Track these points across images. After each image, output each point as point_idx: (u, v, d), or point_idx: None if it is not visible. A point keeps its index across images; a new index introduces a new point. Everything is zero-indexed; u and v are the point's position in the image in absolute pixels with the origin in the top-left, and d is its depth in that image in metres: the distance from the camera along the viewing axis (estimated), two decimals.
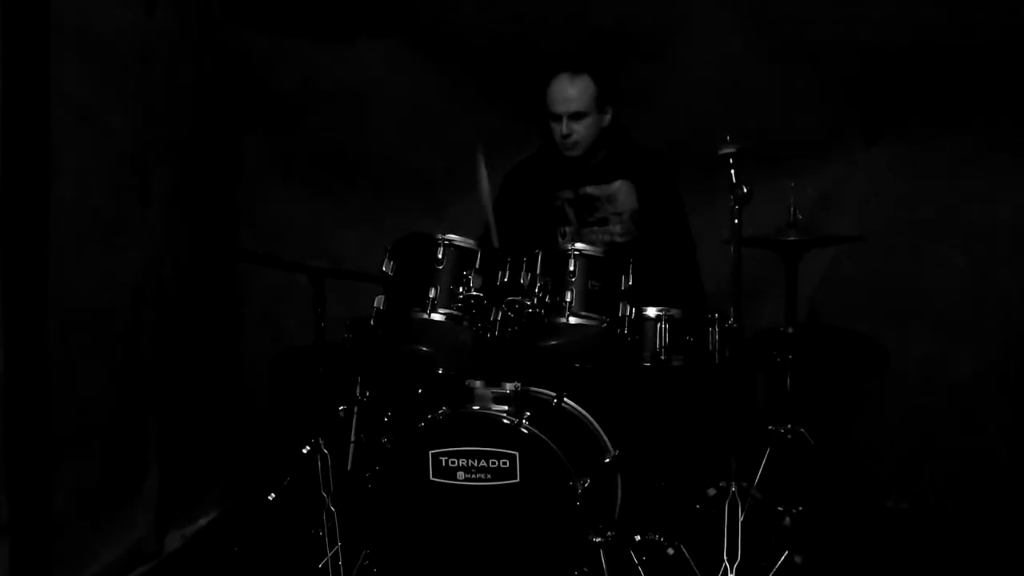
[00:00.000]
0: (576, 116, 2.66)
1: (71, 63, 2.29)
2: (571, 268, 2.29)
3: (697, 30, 3.05)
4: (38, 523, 2.20)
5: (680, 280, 2.68)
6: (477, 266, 2.32)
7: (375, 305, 2.39)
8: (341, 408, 2.62)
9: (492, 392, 2.21)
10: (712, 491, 2.33)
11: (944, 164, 3.08)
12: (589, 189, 2.75)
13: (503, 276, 2.32)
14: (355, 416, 2.60)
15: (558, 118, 2.67)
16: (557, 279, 2.29)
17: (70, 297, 2.31)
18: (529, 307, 2.25)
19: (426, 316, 2.31)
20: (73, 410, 2.34)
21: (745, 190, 2.19)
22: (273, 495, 2.60)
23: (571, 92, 2.66)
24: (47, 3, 2.19)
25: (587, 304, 2.29)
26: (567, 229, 2.77)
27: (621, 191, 2.75)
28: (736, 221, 2.21)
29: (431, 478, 2.13)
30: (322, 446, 2.49)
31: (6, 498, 1.95)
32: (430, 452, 2.13)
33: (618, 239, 2.73)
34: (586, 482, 2.10)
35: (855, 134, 3.14)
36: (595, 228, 2.76)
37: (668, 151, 2.86)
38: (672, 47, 3.08)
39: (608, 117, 2.72)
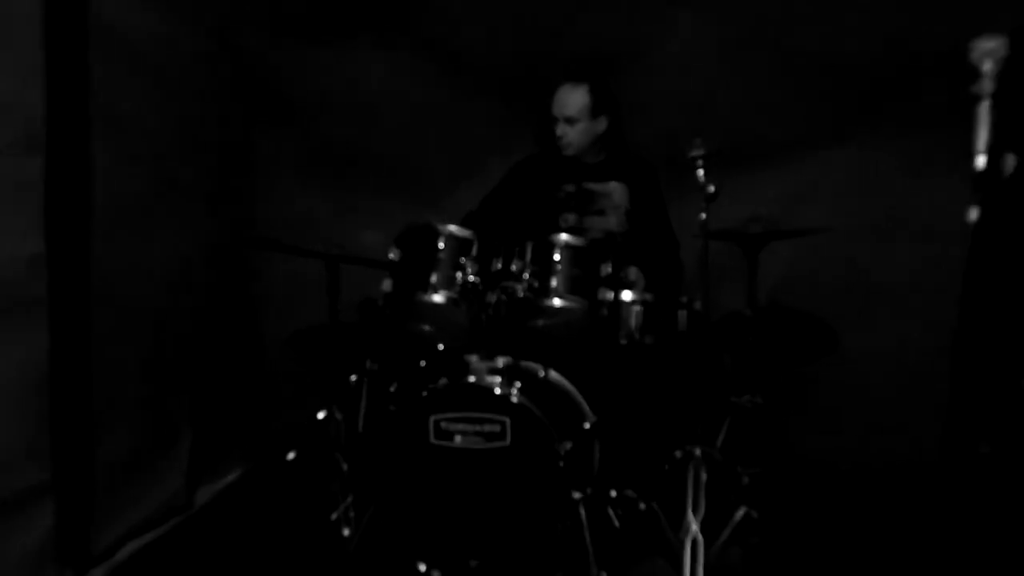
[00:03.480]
0: (569, 120, 2.70)
1: (108, 72, 2.28)
2: (557, 256, 2.30)
3: (673, 43, 3.03)
4: (80, 483, 2.21)
5: (662, 270, 2.69)
6: (473, 253, 2.33)
7: (383, 288, 2.39)
8: (353, 378, 2.62)
9: (486, 365, 2.23)
10: (679, 453, 2.33)
11: (897, 166, 3.05)
12: (589, 184, 2.77)
13: (497, 263, 2.33)
14: (365, 386, 2.60)
15: (556, 120, 2.72)
16: (544, 266, 2.30)
17: (109, 283, 2.33)
18: (519, 291, 2.27)
19: (428, 298, 2.32)
20: (113, 382, 2.36)
21: (712, 189, 2.20)
22: (292, 455, 2.63)
23: (567, 99, 2.70)
24: (86, 21, 2.19)
25: (571, 288, 2.30)
26: (569, 216, 2.77)
27: (616, 191, 2.76)
28: (704, 216, 2.22)
29: (431, 441, 2.15)
30: (336, 412, 2.52)
31: (50, 461, 1.96)
32: (431, 418, 2.15)
33: (613, 228, 2.76)
34: (568, 445, 2.12)
35: (816, 137, 3.11)
36: (594, 217, 2.76)
37: (648, 153, 2.86)
38: (653, 59, 3.05)
39: (603, 125, 2.74)
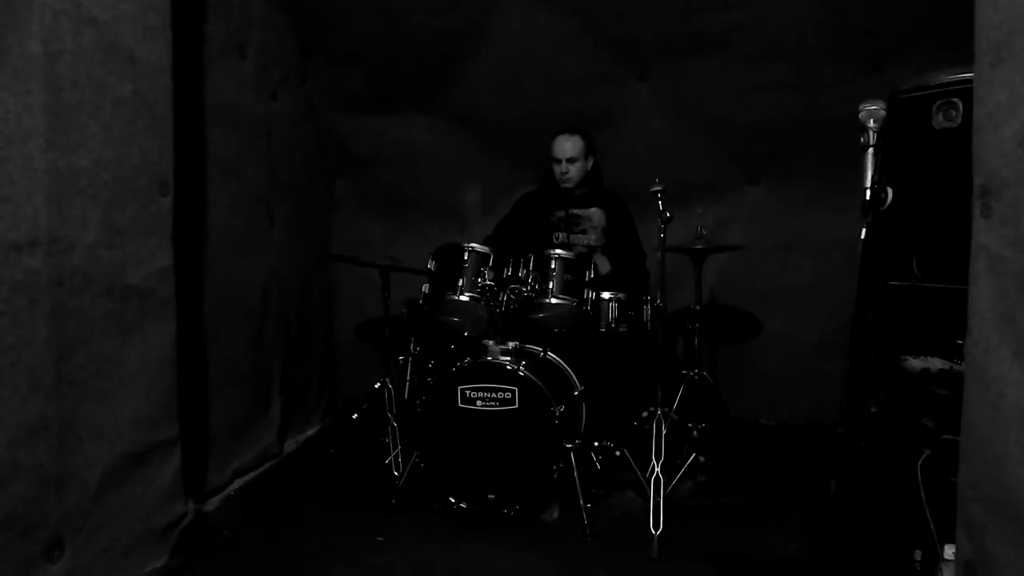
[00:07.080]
0: (571, 160, 2.66)
1: (219, 135, 2.28)
2: (552, 266, 2.28)
3: (635, 113, 3.04)
4: (198, 437, 2.20)
5: (632, 275, 2.68)
6: (490, 264, 2.31)
7: (423, 290, 2.40)
8: (400, 358, 2.64)
9: (500, 348, 2.22)
10: (645, 413, 2.33)
11: (800, 200, 3.05)
12: (575, 210, 2.73)
13: (508, 271, 2.33)
14: (410, 364, 2.62)
15: (559, 162, 2.67)
16: (543, 273, 2.28)
17: (220, 289, 2.32)
18: (525, 292, 2.26)
19: (456, 298, 2.30)
20: (223, 362, 2.34)
21: (668, 215, 2.19)
22: (356, 415, 2.65)
23: (567, 145, 2.66)
24: (203, 99, 2.19)
25: (563, 290, 2.28)
26: (559, 234, 2.74)
27: (596, 214, 2.73)
28: (662, 236, 2.21)
29: (459, 405, 2.15)
30: (388, 383, 2.54)
31: (177, 420, 1.95)
32: (459, 387, 2.15)
33: (593, 243, 2.72)
34: (562, 408, 2.12)
35: (741, 179, 3.11)
36: (579, 235, 2.73)
37: (619, 189, 2.86)
38: (620, 123, 3.07)
39: (590, 164, 2.71)
